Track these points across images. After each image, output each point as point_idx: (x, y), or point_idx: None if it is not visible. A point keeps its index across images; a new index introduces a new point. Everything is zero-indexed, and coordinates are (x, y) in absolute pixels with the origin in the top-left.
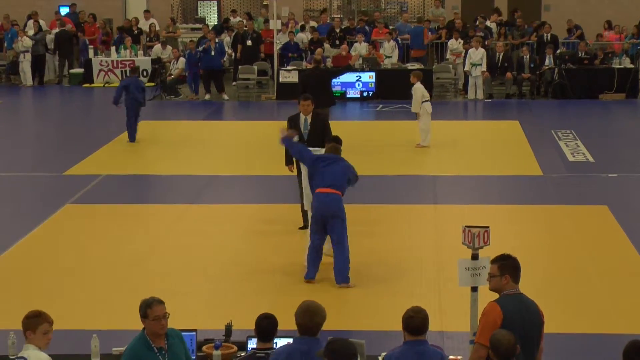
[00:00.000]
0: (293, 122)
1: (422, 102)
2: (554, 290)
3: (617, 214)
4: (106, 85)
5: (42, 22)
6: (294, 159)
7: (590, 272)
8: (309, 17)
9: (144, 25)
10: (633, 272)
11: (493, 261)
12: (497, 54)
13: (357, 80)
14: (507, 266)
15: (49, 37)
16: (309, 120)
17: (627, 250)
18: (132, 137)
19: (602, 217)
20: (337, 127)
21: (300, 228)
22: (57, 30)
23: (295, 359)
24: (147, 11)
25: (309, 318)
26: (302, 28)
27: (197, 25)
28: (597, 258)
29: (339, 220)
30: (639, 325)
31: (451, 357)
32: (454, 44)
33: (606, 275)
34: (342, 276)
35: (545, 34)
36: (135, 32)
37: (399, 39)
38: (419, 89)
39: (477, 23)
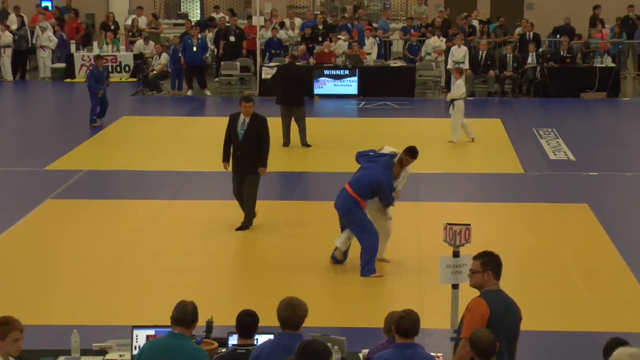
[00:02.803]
0: (232, 121)
1: (456, 99)
2: (535, 288)
3: (597, 212)
4: None
5: (24, 16)
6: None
7: (571, 270)
8: (293, 14)
9: (121, 20)
10: (613, 270)
11: (475, 257)
12: (480, 51)
13: (340, 77)
14: (490, 263)
15: (46, 34)
16: (247, 121)
17: (607, 248)
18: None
19: (583, 215)
20: (318, 123)
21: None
22: (40, 23)
23: (277, 354)
24: (139, 7)
25: (292, 311)
26: (281, 25)
27: (180, 21)
28: (577, 256)
29: (346, 216)
30: (619, 322)
31: (431, 354)
32: (436, 41)
33: (586, 273)
34: (362, 271)
35: (527, 32)
36: (112, 26)
37: (379, 36)
38: (460, 86)
39: (457, 20)
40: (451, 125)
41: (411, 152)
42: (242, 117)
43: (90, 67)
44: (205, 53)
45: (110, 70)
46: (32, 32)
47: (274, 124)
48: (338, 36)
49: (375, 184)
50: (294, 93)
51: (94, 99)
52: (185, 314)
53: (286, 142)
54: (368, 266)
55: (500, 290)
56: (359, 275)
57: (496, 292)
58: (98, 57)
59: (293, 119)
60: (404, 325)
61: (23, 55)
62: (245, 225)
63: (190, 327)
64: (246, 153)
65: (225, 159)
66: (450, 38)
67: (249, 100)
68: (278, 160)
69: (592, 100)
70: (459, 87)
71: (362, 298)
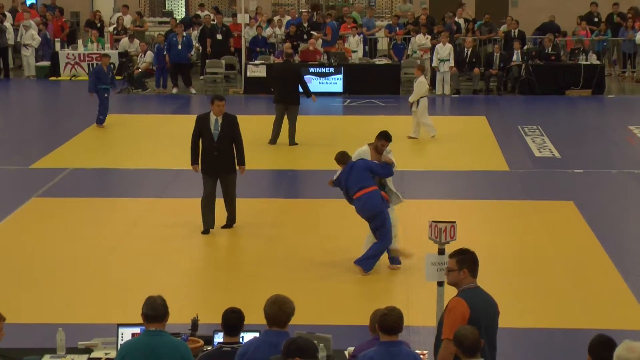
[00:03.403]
0: (202, 122)
1: (421, 97)
2: (520, 285)
3: (582, 210)
4: (73, 78)
5: (8, 14)
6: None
7: (556, 267)
8: (284, 12)
9: (106, 18)
10: (598, 268)
11: (451, 255)
12: (465, 49)
13: (325, 75)
14: (465, 260)
15: (29, 33)
16: (220, 121)
17: (592, 245)
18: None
19: (568, 212)
20: (304, 121)
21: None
22: (24, 22)
23: (264, 351)
24: (125, 6)
25: (278, 308)
26: (269, 22)
27: (165, 19)
28: (562, 253)
29: (379, 216)
30: (604, 320)
31: (417, 351)
32: (422, 39)
33: (571, 270)
34: (360, 259)
35: (512, 30)
36: (98, 25)
37: (364, 33)
38: (424, 83)
39: (446, 19)
40: (421, 123)
41: (385, 136)
42: (213, 117)
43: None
44: (190, 51)
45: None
46: (17, 30)
47: (261, 122)
48: (311, 31)
49: (368, 167)
50: (290, 92)
51: (102, 100)
52: (156, 310)
53: (273, 140)
54: (369, 262)
55: (477, 287)
56: (346, 272)
57: (474, 290)
58: (104, 56)
59: (286, 117)
60: (387, 322)
61: (3, 53)
62: (231, 224)
63: (163, 322)
64: (223, 153)
65: (195, 162)
66: (435, 36)
67: (222, 99)
68: (264, 158)
69: (577, 97)
70: (422, 84)
71: (348, 296)
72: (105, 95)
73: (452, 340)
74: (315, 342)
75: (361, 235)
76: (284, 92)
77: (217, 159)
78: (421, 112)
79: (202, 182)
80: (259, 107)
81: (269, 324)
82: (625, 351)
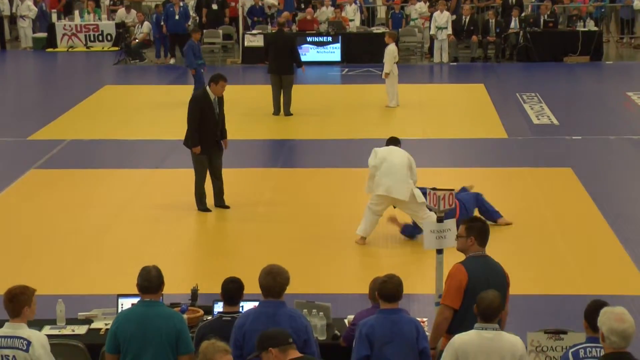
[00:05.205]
0: (205, 103)
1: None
2: (519, 252)
3: (581, 176)
4: (70, 49)
5: None
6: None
7: (555, 234)
8: None
9: None
10: (596, 233)
11: (463, 222)
12: (463, 17)
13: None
14: (474, 228)
15: (25, 4)
16: (216, 100)
17: (591, 211)
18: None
19: (567, 179)
20: (302, 91)
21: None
22: None
23: (261, 322)
24: None
25: (272, 279)
26: None
27: None
28: (561, 219)
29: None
30: (603, 285)
31: (417, 319)
32: (423, 7)
33: (570, 236)
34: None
35: None
36: None
37: (358, 1)
38: (393, 50)
39: None
40: (387, 91)
41: None
42: (212, 96)
43: (187, 42)
44: (187, 21)
45: (92, 39)
46: (12, 2)
47: (259, 91)
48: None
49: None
50: (284, 61)
51: (199, 77)
52: (151, 282)
53: (276, 111)
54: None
55: (484, 256)
56: (345, 240)
57: (479, 258)
58: (194, 31)
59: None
60: (387, 289)
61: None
62: (224, 202)
63: (158, 292)
64: (222, 131)
65: (198, 143)
66: (433, 3)
67: (226, 79)
68: (260, 128)
69: (575, 64)
70: (390, 52)
71: (347, 264)
72: (202, 70)
73: (446, 309)
74: (315, 310)
75: (357, 203)
76: (278, 62)
77: (216, 137)
78: (390, 79)
79: (197, 164)
80: (257, 76)
81: (264, 294)
82: (616, 322)
